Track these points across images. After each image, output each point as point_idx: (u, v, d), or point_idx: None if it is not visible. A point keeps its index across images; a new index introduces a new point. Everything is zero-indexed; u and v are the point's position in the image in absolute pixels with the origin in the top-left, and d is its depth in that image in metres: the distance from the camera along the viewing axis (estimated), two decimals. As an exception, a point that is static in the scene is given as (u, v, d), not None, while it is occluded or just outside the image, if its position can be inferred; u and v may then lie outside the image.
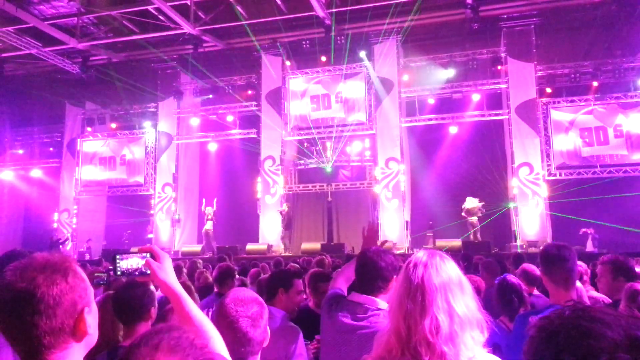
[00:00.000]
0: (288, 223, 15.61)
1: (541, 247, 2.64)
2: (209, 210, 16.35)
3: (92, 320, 1.21)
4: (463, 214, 14.27)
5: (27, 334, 1.13)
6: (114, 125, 19.08)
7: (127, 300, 2.57)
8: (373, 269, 2.17)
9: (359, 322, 2.09)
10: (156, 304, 2.69)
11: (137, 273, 1.72)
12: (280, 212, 15.61)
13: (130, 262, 1.72)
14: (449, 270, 1.41)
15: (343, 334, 2.14)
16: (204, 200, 16.75)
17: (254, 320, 1.83)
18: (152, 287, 2.70)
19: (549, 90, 15.14)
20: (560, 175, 14.54)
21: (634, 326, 0.77)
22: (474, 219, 14.12)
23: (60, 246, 16.60)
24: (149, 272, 1.70)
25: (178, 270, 5.51)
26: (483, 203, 14.22)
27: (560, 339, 0.79)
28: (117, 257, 1.76)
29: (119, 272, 1.75)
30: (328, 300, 2.36)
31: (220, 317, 1.83)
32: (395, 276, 2.02)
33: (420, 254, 1.45)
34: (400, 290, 1.42)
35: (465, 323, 1.34)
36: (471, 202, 14.22)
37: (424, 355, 1.31)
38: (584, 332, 0.77)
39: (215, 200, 16.55)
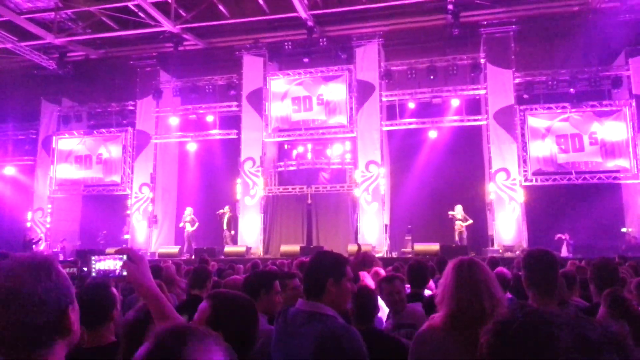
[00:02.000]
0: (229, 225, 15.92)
1: (523, 252, 2.66)
2: (188, 212, 16.23)
3: (75, 317, 1.23)
4: (461, 223, 14.43)
5: (14, 333, 1.13)
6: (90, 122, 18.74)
7: (89, 303, 2.51)
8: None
9: None
10: (118, 306, 2.70)
11: (113, 275, 1.71)
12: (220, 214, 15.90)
13: (107, 264, 1.72)
14: (485, 269, 2.10)
15: None
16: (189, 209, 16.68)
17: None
18: (112, 289, 2.69)
19: (526, 96, 15.37)
20: (536, 181, 14.77)
21: (583, 326, 0.78)
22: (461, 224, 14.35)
23: (34, 246, 16.23)
24: (125, 273, 1.69)
25: (157, 272, 5.41)
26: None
27: (516, 343, 0.79)
28: (93, 258, 1.75)
29: (94, 274, 1.74)
30: None
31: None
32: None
33: (463, 259, 2.13)
34: (452, 284, 2.05)
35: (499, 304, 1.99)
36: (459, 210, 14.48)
37: (474, 326, 1.80)
38: (541, 335, 0.78)
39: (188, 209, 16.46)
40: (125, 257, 1.70)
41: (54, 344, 1.18)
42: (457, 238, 14.41)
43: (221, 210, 16.07)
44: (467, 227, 14.50)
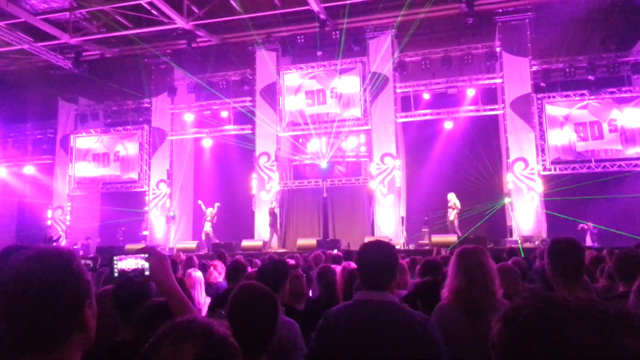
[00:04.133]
0: (273, 221, 15.61)
1: (543, 243, 2.65)
2: (210, 212, 16.27)
3: (91, 314, 1.21)
4: (454, 211, 14.28)
5: (28, 324, 1.12)
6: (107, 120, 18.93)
7: (128, 293, 2.52)
8: None
9: None
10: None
11: (135, 274, 1.71)
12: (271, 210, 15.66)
13: (128, 263, 1.72)
14: (480, 257, 2.60)
15: None
16: (200, 202, 16.65)
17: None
18: (151, 283, 2.68)
19: (543, 84, 15.13)
20: (554, 170, 14.57)
21: (599, 310, 0.75)
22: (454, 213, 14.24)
23: (54, 244, 16.48)
24: (147, 273, 1.68)
25: (174, 265, 5.46)
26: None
27: (529, 331, 0.76)
28: (115, 258, 1.75)
29: (116, 273, 1.73)
30: None
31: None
32: None
33: (465, 248, 2.68)
34: (454, 268, 2.60)
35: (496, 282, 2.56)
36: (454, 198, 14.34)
37: (482, 300, 2.47)
38: (554, 321, 0.75)
39: (217, 204, 16.41)
40: (146, 255, 1.69)
41: (68, 340, 1.17)
42: (450, 228, 14.27)
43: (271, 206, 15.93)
44: (487, 216, 14.34)
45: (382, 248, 2.31)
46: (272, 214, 15.60)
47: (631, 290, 3.00)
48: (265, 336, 1.86)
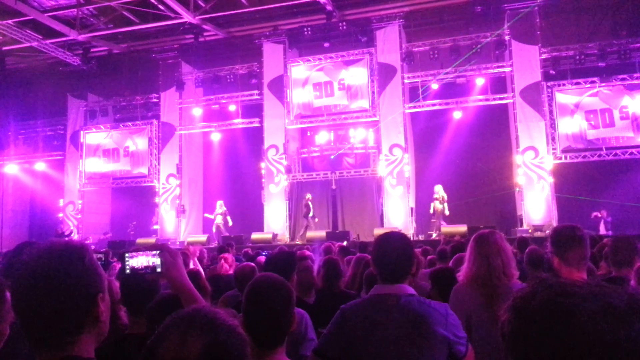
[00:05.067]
0: (306, 213, 15.67)
1: (552, 229, 2.64)
2: (219, 204, 16.36)
3: (104, 308, 1.21)
4: (441, 204, 14.27)
5: (41, 317, 1.13)
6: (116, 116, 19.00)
7: (137, 288, 2.53)
8: None
9: None
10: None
11: (147, 271, 1.70)
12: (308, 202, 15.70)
13: (140, 261, 1.71)
14: (496, 242, 2.73)
15: None
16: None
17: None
18: None
19: (553, 72, 14.95)
20: (565, 158, 14.43)
21: (609, 295, 0.74)
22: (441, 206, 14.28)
23: (66, 239, 16.64)
24: (159, 270, 1.67)
25: (185, 257, 5.50)
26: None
27: (539, 319, 0.75)
28: (126, 255, 1.73)
29: (128, 271, 1.72)
30: None
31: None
32: None
33: (481, 234, 2.82)
34: (471, 252, 2.75)
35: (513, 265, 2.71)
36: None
37: (499, 283, 2.60)
38: (564, 309, 0.74)
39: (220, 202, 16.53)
40: (158, 252, 1.68)
41: (82, 334, 1.17)
42: (435, 219, 14.36)
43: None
44: (497, 206, 14.28)
45: (399, 239, 2.29)
46: (306, 205, 15.69)
47: (629, 275, 3.00)
48: (282, 326, 1.86)
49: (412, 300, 2.13)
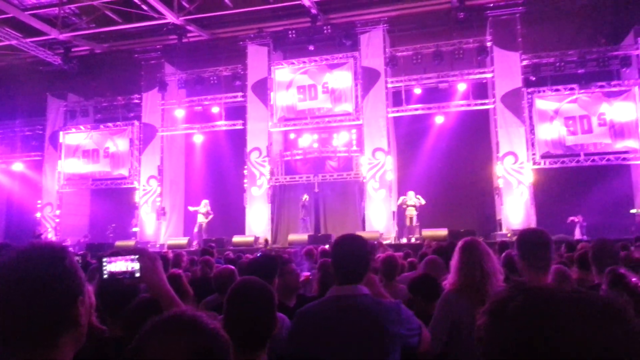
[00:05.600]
0: (305, 214, 15.68)
1: (518, 233, 2.69)
2: (204, 204, 16.28)
3: (84, 311, 1.18)
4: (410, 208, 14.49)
5: (19, 319, 1.09)
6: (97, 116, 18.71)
7: (115, 290, 2.50)
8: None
9: None
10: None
11: (126, 276, 1.65)
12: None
13: (118, 265, 1.66)
14: (482, 248, 2.76)
15: None
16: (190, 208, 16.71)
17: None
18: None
19: (533, 79, 15.19)
20: (544, 164, 14.65)
21: (584, 300, 0.75)
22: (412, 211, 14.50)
23: (45, 240, 16.35)
24: (138, 275, 1.64)
25: (164, 262, 5.43)
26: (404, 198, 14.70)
27: (515, 324, 0.75)
28: (104, 260, 1.67)
29: (106, 275, 1.67)
30: None
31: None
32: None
33: (467, 240, 2.85)
34: (458, 259, 2.76)
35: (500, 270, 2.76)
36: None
37: (487, 288, 2.59)
38: (539, 315, 0.74)
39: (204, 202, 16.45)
40: (137, 257, 1.65)
41: (60, 338, 1.14)
42: (407, 223, 14.56)
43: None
44: (477, 210, 14.44)
45: (353, 242, 2.31)
46: (303, 206, 15.67)
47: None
48: (264, 330, 1.85)
49: (366, 300, 2.15)
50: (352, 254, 2.25)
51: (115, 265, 1.66)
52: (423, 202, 14.52)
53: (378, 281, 2.78)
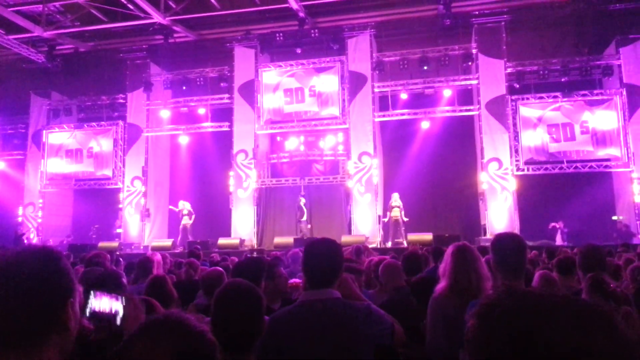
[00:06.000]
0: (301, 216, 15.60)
1: (493, 237, 2.72)
2: (186, 205, 16.19)
3: (74, 315, 1.17)
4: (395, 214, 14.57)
5: (16, 319, 1.09)
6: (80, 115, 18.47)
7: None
8: None
9: None
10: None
11: (105, 323, 1.56)
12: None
13: (104, 303, 1.58)
14: (473, 253, 2.82)
15: None
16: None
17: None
18: (123, 280, 2.65)
19: (517, 86, 15.39)
20: (528, 170, 14.84)
21: (572, 305, 0.76)
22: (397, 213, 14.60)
23: (25, 240, 16.11)
24: (118, 323, 1.58)
25: (149, 265, 5.41)
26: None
27: (502, 328, 0.75)
28: (92, 293, 1.58)
29: (88, 313, 1.56)
30: None
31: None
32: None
33: (458, 245, 2.90)
34: (450, 263, 2.79)
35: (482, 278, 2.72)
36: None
37: (477, 292, 2.59)
38: (526, 319, 0.74)
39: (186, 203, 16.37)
40: (125, 301, 1.58)
41: (49, 340, 1.13)
42: (391, 227, 14.64)
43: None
44: (461, 215, 14.57)
45: (324, 246, 2.30)
46: (299, 208, 15.61)
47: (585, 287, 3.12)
48: (252, 332, 1.86)
49: (336, 304, 2.15)
50: (322, 259, 2.24)
51: (101, 302, 1.59)
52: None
53: (351, 282, 2.77)
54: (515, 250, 2.54)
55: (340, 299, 2.19)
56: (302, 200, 15.72)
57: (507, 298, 0.79)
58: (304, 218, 15.47)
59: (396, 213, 14.62)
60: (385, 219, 14.87)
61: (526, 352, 0.72)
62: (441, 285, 2.83)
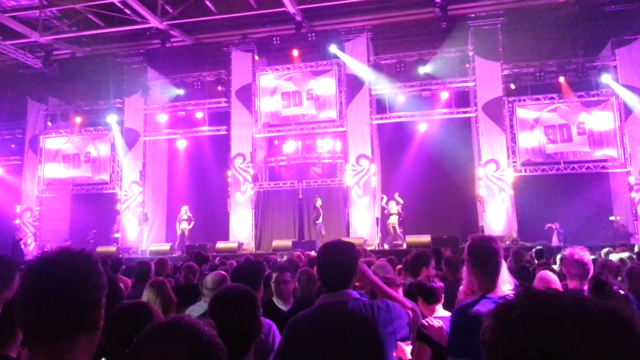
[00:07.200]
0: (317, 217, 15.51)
1: (470, 239, 2.70)
2: (185, 210, 16.18)
3: (102, 314, 1.25)
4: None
5: (56, 314, 1.15)
6: (78, 120, 18.38)
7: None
8: None
9: None
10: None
11: None
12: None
13: None
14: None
15: None
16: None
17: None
18: (120, 284, 2.64)
19: (513, 86, 15.43)
20: (525, 171, 14.87)
21: (585, 307, 0.75)
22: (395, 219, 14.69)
23: (23, 246, 16.06)
24: None
25: (148, 270, 5.41)
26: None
27: (519, 329, 0.75)
28: None
29: None
30: None
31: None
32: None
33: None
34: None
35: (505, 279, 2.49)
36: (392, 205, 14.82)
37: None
38: (543, 320, 0.74)
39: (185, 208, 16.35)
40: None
41: (79, 338, 1.18)
42: (390, 230, 14.69)
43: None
44: (459, 217, 14.59)
45: (337, 247, 2.31)
46: (315, 209, 15.55)
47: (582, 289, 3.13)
48: (247, 336, 1.87)
49: (358, 304, 2.16)
50: (338, 260, 2.25)
51: None
52: (401, 201, 14.67)
53: (367, 270, 2.74)
54: (490, 252, 2.57)
55: (361, 299, 2.20)
56: (319, 202, 15.51)
57: (525, 299, 0.79)
58: (320, 220, 15.31)
59: (393, 220, 14.65)
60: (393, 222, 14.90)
61: (545, 354, 0.72)
62: (467, 288, 2.70)
